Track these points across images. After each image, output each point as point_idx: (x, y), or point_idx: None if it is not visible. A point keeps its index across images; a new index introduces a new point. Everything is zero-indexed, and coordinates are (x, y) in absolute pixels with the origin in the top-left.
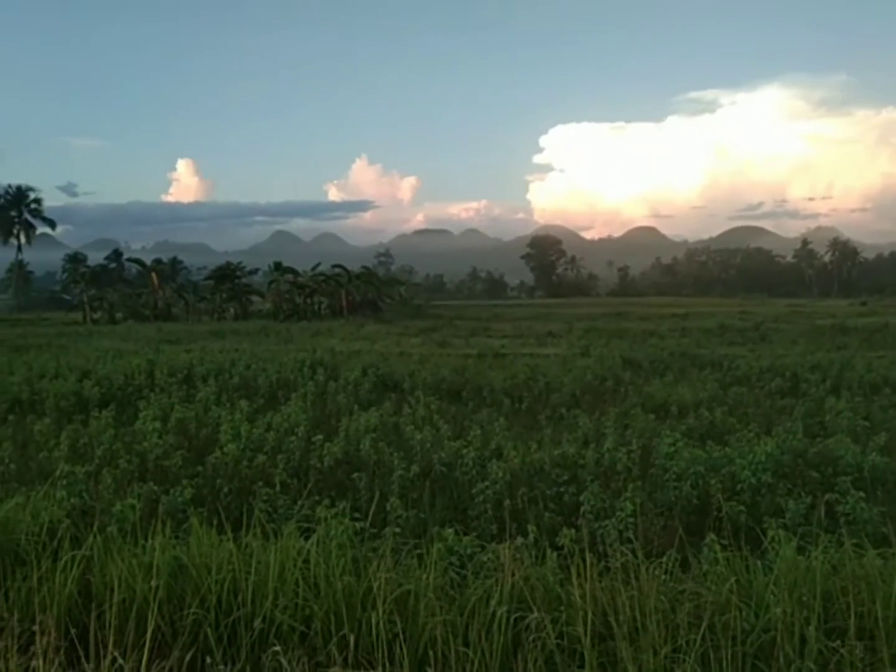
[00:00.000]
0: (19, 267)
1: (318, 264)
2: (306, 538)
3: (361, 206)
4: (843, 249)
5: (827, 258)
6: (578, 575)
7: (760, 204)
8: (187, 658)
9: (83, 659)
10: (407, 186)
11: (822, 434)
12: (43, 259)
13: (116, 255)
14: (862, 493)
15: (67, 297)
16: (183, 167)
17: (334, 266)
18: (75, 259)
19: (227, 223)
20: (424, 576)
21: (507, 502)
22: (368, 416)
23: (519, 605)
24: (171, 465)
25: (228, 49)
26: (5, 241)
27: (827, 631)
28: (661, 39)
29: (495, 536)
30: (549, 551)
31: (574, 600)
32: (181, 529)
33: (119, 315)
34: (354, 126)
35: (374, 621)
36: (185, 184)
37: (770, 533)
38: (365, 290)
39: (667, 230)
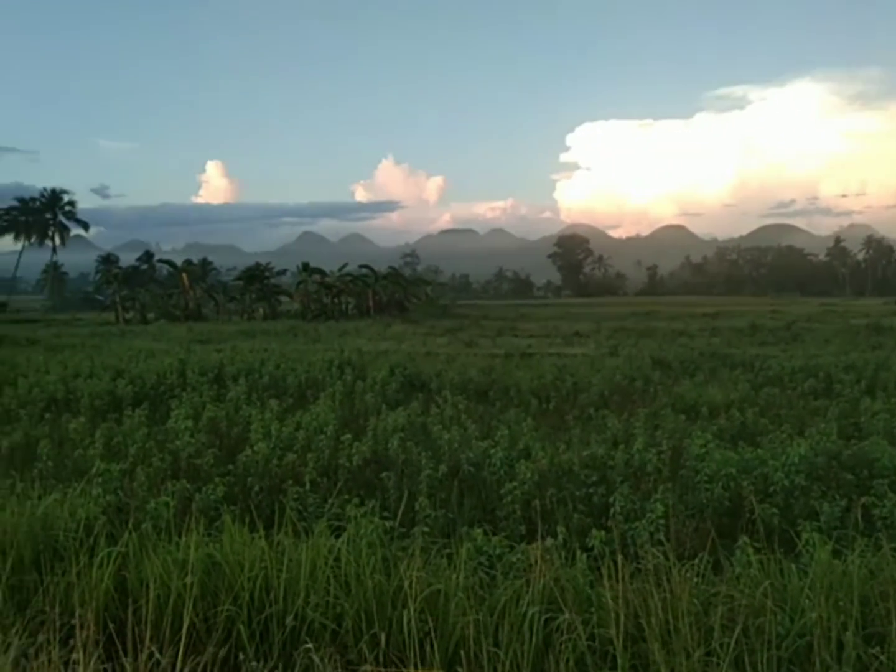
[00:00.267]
0: (54, 268)
1: (346, 265)
2: (336, 536)
3: (388, 206)
4: (878, 247)
5: (861, 256)
6: (609, 577)
7: (792, 201)
8: (221, 654)
9: (121, 653)
10: (433, 186)
11: (856, 436)
12: (77, 260)
13: (148, 256)
14: None
15: (100, 298)
16: (212, 169)
17: (361, 266)
18: (108, 260)
19: (256, 224)
20: (454, 575)
21: (535, 503)
22: (396, 416)
23: (549, 606)
24: (203, 464)
25: (256, 51)
26: (41, 243)
27: (865, 637)
28: (690, 35)
29: (524, 537)
30: (578, 552)
31: (605, 602)
32: (213, 527)
33: (151, 315)
34: (381, 126)
35: (405, 620)
36: (214, 185)
37: (804, 536)
38: (391, 291)
39: (696, 229)
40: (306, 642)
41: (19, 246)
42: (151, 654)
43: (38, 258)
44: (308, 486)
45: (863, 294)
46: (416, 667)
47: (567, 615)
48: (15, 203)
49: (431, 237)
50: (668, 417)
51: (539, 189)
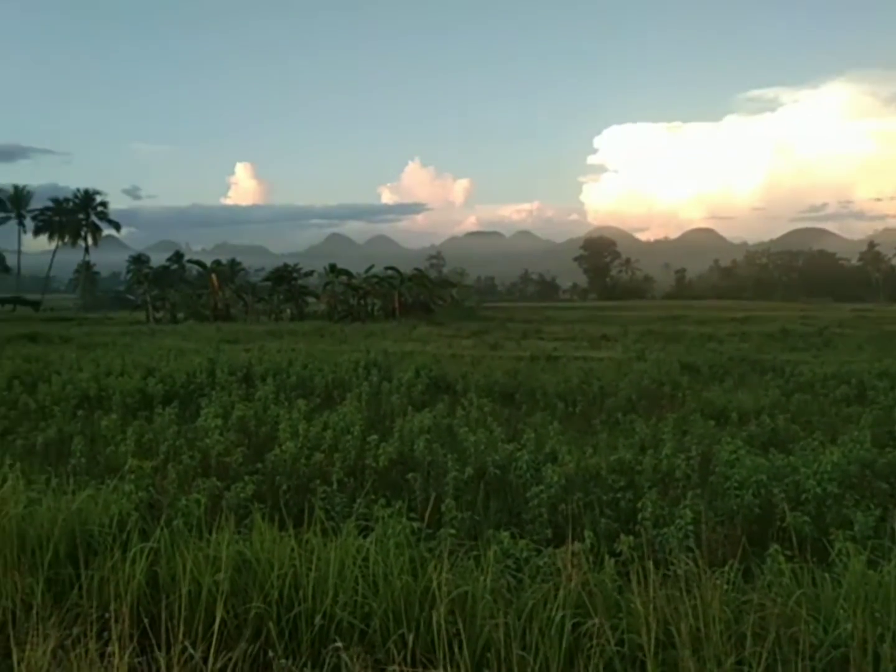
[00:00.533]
0: (86, 268)
1: (372, 266)
2: (364, 536)
3: (414, 208)
4: None
5: (895, 261)
6: (638, 582)
7: (824, 205)
8: (251, 651)
9: (155, 647)
10: (459, 189)
11: (891, 444)
12: (108, 260)
13: (178, 256)
14: None
15: (131, 297)
16: (241, 170)
17: (387, 268)
18: (139, 260)
19: (284, 226)
20: (482, 577)
21: (562, 507)
22: (422, 417)
23: (577, 611)
24: (233, 462)
25: (284, 55)
26: (73, 243)
27: None
28: (720, 36)
29: (550, 541)
30: (607, 557)
31: (634, 608)
32: (243, 525)
33: (180, 315)
34: (408, 129)
35: (434, 621)
36: (243, 187)
37: (837, 545)
38: (417, 292)
39: (725, 232)
40: (335, 641)
41: (53, 246)
42: (184, 649)
43: (71, 258)
44: (335, 486)
45: None
46: (444, 668)
47: (596, 620)
48: (49, 204)
49: (457, 239)
50: (697, 423)
51: (566, 191)
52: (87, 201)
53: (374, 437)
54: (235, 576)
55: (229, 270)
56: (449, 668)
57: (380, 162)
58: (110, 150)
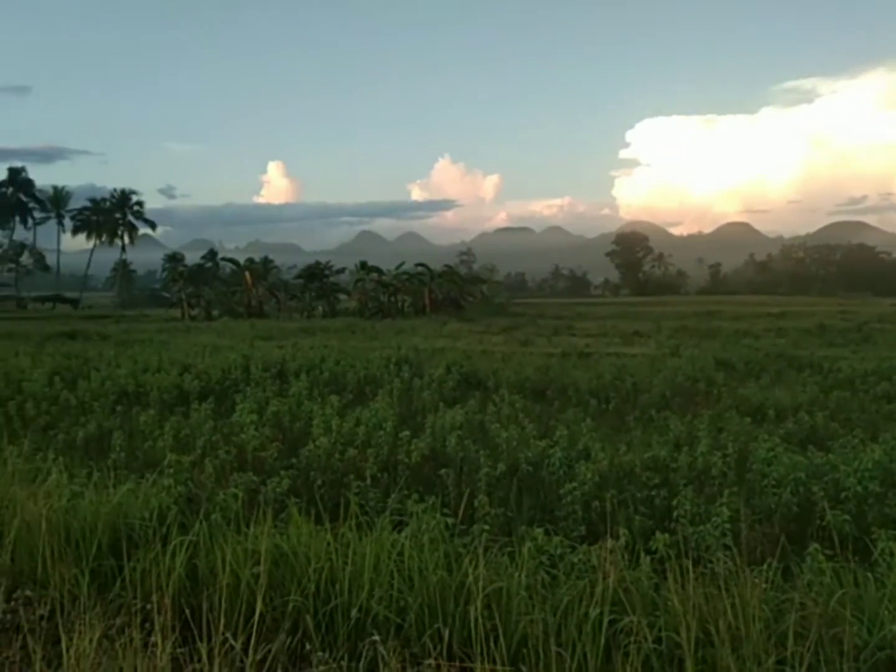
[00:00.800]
0: (123, 266)
1: (402, 263)
2: (398, 531)
3: (444, 205)
4: None
5: None
6: (675, 580)
7: (864, 197)
8: (288, 643)
9: (196, 638)
10: (489, 184)
11: None
12: (144, 259)
13: (212, 254)
14: None
15: (167, 295)
16: (273, 169)
17: (417, 265)
18: (174, 259)
19: (315, 224)
20: (516, 574)
21: (595, 504)
22: (453, 414)
23: (613, 608)
24: (268, 457)
25: (315, 54)
26: (111, 242)
27: None
28: (756, 27)
29: (584, 538)
30: (642, 555)
31: (671, 605)
32: (279, 519)
33: (215, 312)
34: (438, 125)
35: (472, 616)
36: (275, 186)
37: (880, 545)
38: (447, 289)
39: (761, 226)
40: (371, 634)
41: (91, 245)
42: (225, 640)
43: (108, 257)
44: (369, 481)
45: None
46: (481, 663)
47: (633, 617)
48: (87, 204)
49: (487, 235)
50: (733, 420)
51: (597, 186)
52: (123, 201)
53: (406, 432)
54: (273, 569)
55: (262, 268)
56: (485, 662)
57: (410, 159)
58: (145, 151)
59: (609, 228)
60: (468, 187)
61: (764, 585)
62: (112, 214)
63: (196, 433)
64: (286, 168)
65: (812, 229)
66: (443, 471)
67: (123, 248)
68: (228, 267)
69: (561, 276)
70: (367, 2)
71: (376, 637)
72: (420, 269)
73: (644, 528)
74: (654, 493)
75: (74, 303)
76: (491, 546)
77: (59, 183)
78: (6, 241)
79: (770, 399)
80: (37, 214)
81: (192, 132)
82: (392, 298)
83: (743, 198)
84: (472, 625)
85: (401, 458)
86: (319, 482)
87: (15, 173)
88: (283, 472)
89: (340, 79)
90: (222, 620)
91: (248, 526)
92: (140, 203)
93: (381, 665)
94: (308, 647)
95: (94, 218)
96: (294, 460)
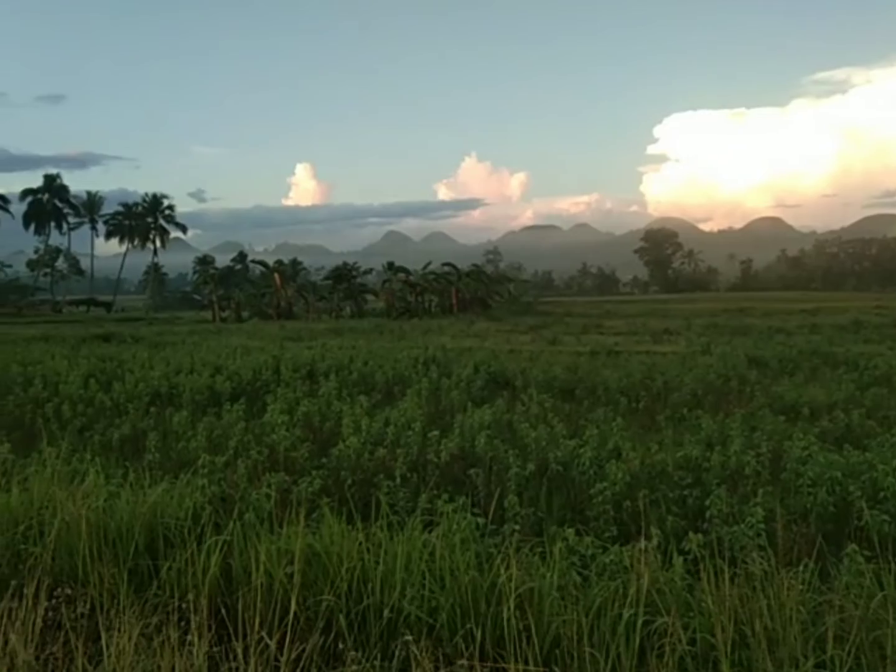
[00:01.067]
0: (155, 269)
1: (429, 263)
2: (428, 531)
3: (470, 204)
4: None
5: None
6: (709, 581)
7: None
8: (321, 643)
9: (232, 636)
10: (516, 183)
11: None
12: (176, 261)
13: (241, 257)
14: None
15: (198, 297)
16: (301, 171)
17: (444, 265)
18: (204, 261)
19: (343, 225)
20: (548, 574)
21: (626, 504)
22: (482, 413)
23: (646, 609)
24: (299, 457)
25: (342, 56)
26: (143, 246)
27: None
28: (784, 17)
29: (616, 538)
30: (675, 555)
31: (706, 606)
32: (310, 518)
33: (245, 314)
34: (464, 124)
35: (504, 616)
36: (303, 188)
37: None
38: (474, 288)
39: (793, 220)
40: (403, 634)
41: (124, 249)
42: (260, 639)
43: (140, 260)
44: (398, 481)
45: None
46: (514, 664)
47: (667, 618)
48: (120, 208)
49: (514, 234)
50: (767, 418)
51: (625, 182)
52: (154, 205)
53: (435, 432)
54: (306, 568)
55: (291, 270)
56: (518, 663)
57: (436, 159)
58: (175, 155)
59: (637, 225)
60: (494, 186)
61: (801, 587)
62: (144, 219)
63: (228, 434)
64: (314, 170)
65: (846, 223)
66: (472, 470)
67: (155, 252)
68: (258, 269)
69: (589, 274)
70: (392, 3)
71: (409, 637)
72: (447, 268)
73: (677, 529)
74: (686, 492)
75: (108, 306)
76: (522, 546)
77: (93, 188)
78: (42, 246)
79: (804, 397)
80: (71, 220)
81: (221, 136)
82: (419, 298)
83: (774, 192)
84: (505, 625)
85: (430, 458)
86: (350, 482)
87: (50, 180)
88: (314, 472)
89: (368, 80)
90: (257, 619)
91: (280, 525)
92: (171, 207)
93: (413, 665)
94: (341, 646)
95: (127, 222)
96: (325, 460)
